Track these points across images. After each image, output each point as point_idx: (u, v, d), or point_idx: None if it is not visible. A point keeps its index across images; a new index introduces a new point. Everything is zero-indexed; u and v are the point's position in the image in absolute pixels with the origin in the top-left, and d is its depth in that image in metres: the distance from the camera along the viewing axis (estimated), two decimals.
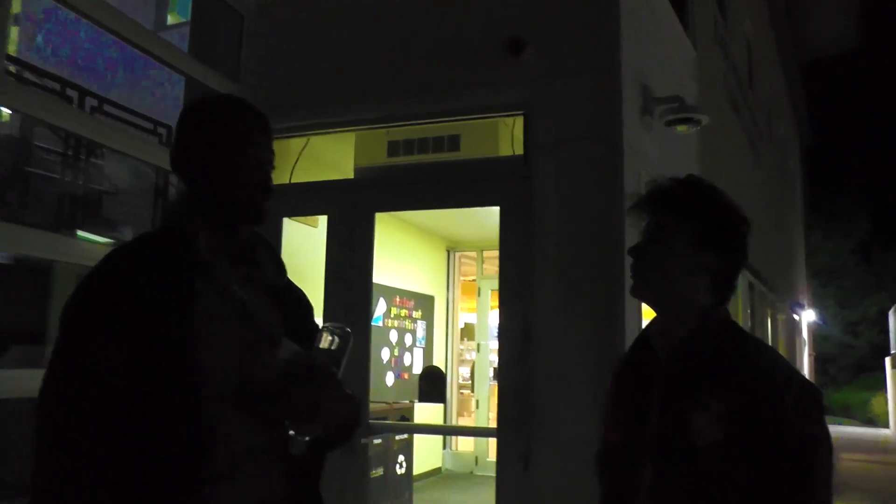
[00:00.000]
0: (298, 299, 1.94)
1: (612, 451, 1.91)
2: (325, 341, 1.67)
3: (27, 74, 6.23)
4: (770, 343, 13.93)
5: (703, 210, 1.80)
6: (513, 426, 3.81)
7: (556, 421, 3.68)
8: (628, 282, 3.58)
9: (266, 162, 1.80)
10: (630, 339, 3.57)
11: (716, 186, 1.87)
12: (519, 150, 4.08)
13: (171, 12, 8.29)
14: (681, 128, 4.64)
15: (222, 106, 1.85)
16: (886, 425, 20.94)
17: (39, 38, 8.64)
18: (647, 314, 4.00)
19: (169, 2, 8.20)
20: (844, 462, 14.20)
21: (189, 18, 8.10)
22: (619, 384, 1.96)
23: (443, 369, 9.55)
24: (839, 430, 20.98)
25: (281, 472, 1.70)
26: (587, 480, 3.27)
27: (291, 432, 1.64)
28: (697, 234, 1.77)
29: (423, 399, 5.51)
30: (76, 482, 1.54)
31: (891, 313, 20.08)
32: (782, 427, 1.60)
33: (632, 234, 3.66)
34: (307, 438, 1.64)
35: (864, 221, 32.40)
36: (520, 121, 4.09)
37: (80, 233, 6.70)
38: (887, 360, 20.71)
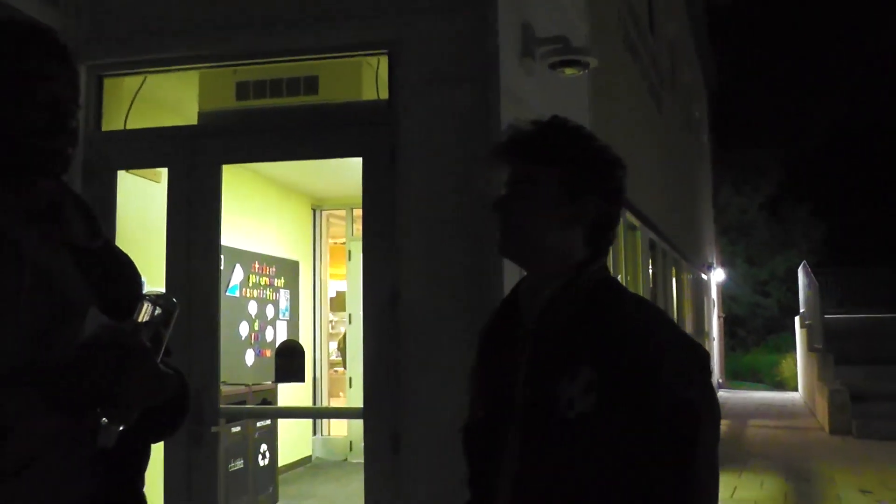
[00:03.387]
0: (119, 265, 1.81)
1: (478, 425, 1.90)
2: (142, 313, 1.58)
3: None
4: (675, 305, 14.48)
5: (571, 154, 1.78)
6: (381, 404, 3.86)
7: (427, 396, 3.75)
8: None
9: (69, 99, 1.67)
10: None
11: (584, 127, 1.85)
12: (384, 95, 4.10)
13: None
14: (569, 71, 4.74)
15: (7, 31, 1.70)
16: (795, 389, 22.06)
17: None
18: None
19: None
20: (751, 429, 15.00)
21: None
22: (484, 352, 1.96)
23: (308, 344, 9.55)
24: (747, 396, 22.15)
25: (87, 468, 1.64)
26: (457, 460, 3.39)
27: (103, 420, 1.58)
28: (566, 182, 1.75)
29: (280, 379, 5.47)
30: None
31: (800, 270, 21.06)
32: (659, 393, 1.60)
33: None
34: (120, 428, 1.58)
35: (774, 174, 33.80)
36: (384, 61, 4.10)
37: None
38: (797, 319, 21.77)
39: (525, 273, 1.94)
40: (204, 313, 4.11)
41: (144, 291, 1.73)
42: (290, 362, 5.05)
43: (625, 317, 1.73)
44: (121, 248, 1.89)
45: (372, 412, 3.90)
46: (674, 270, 14.22)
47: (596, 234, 1.81)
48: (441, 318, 3.78)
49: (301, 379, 7.16)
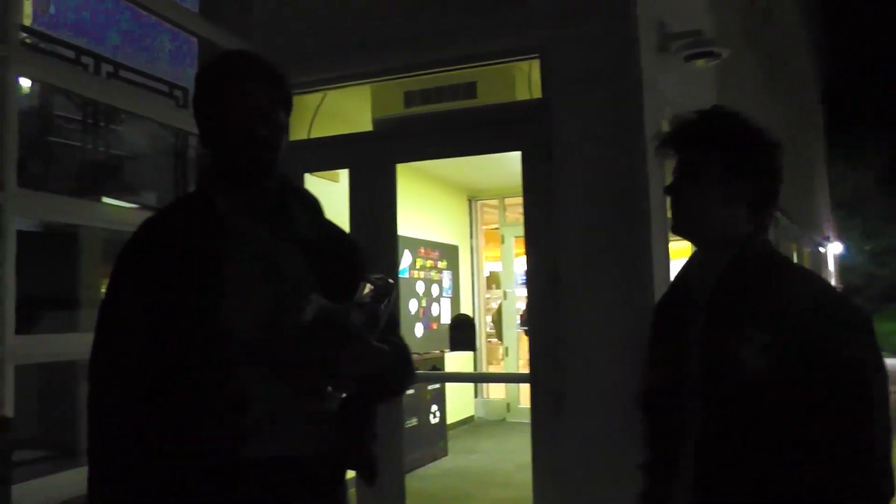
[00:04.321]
0: (344, 250, 1.88)
1: (655, 391, 1.90)
2: (361, 293, 1.62)
3: (42, 44, 6.25)
4: None
5: (732, 138, 1.78)
6: (545, 371, 3.82)
7: (587, 364, 3.69)
8: (655, 221, 3.60)
9: (258, 113, 1.73)
10: (658, 280, 3.61)
11: (740, 113, 1.84)
12: (536, 94, 4.05)
13: None
14: (700, 62, 4.58)
15: (217, 62, 1.83)
16: None
17: (52, 9, 8.67)
18: (676, 254, 4.00)
19: None
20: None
21: None
22: (659, 323, 1.97)
23: (466, 315, 9.61)
24: None
25: (315, 430, 1.70)
26: (621, 423, 3.33)
27: (329, 388, 1.66)
28: (729, 164, 1.75)
29: (454, 347, 5.58)
30: (116, 446, 1.66)
31: None
32: (831, 354, 1.57)
33: (655, 174, 3.68)
34: (342, 395, 1.67)
35: (887, 150, 32.01)
36: (536, 64, 4.05)
37: (105, 199, 6.78)
38: None
39: (693, 252, 1.92)
40: None
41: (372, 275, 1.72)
42: (462, 334, 5.12)
43: (792, 283, 1.70)
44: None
45: (537, 378, 3.87)
46: (794, 245, 13.65)
47: (758, 211, 1.79)
48: (599, 297, 3.70)
49: (472, 348, 7.28)
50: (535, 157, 3.91)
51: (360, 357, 1.62)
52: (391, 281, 1.64)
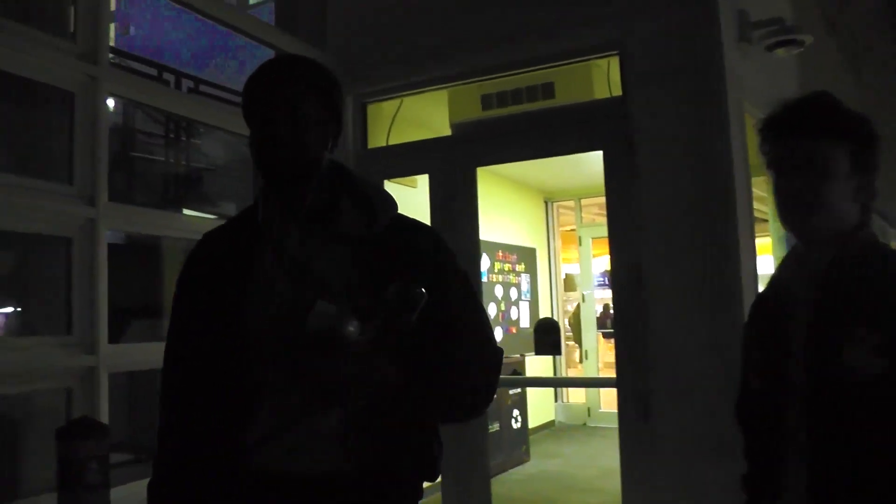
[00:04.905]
0: (402, 248, 1.69)
1: (754, 398, 1.78)
2: (391, 298, 1.48)
3: (126, 62, 6.45)
4: None
5: (857, 128, 1.68)
6: (631, 375, 3.75)
7: (673, 367, 3.60)
8: (742, 217, 3.50)
9: (277, 112, 1.66)
10: (746, 277, 3.52)
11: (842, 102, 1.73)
12: (616, 92, 4.00)
13: None
14: (781, 51, 4.45)
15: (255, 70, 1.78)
16: None
17: (132, 30, 8.97)
18: (763, 251, 3.88)
19: None
20: None
21: None
22: (755, 324, 1.85)
23: (551, 319, 9.55)
24: None
25: (322, 446, 1.58)
26: (713, 430, 3.24)
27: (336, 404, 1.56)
28: (856, 156, 1.65)
29: (539, 351, 5.53)
30: (161, 446, 1.73)
31: None
32: None
33: (741, 168, 3.58)
34: (350, 411, 1.55)
35: None
36: (615, 61, 4.00)
37: (186, 210, 6.95)
38: None
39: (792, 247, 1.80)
40: None
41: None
42: (547, 338, 5.07)
43: None
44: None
45: (624, 382, 3.79)
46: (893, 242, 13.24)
47: (866, 203, 1.69)
48: (685, 297, 3.61)
49: (558, 352, 7.22)
50: (616, 156, 3.86)
51: (353, 375, 1.49)
52: (420, 290, 1.48)
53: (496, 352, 1.75)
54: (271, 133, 1.64)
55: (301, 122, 1.65)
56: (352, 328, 1.46)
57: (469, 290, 1.78)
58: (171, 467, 1.69)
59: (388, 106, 4.82)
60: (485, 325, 1.76)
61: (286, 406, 1.57)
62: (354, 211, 1.71)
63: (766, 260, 5.93)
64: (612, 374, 3.94)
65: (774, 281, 1.83)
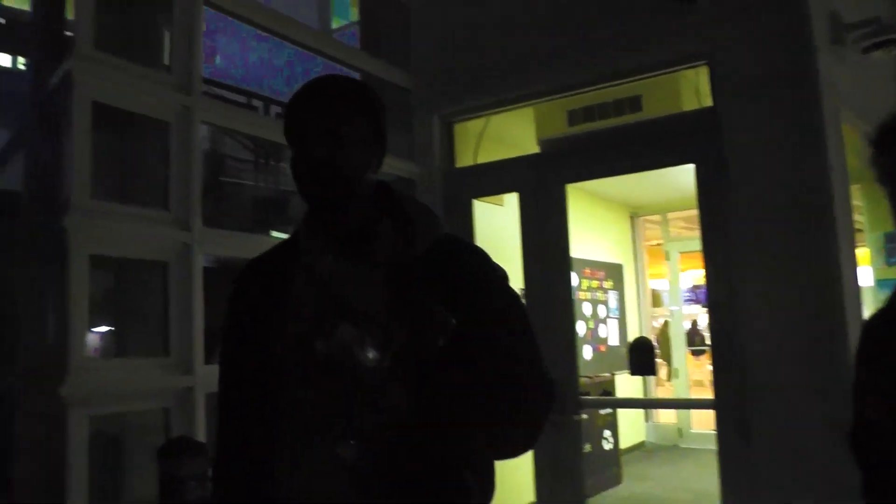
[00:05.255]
0: (441, 271, 1.59)
1: (871, 427, 1.66)
2: (410, 324, 1.43)
3: (215, 91, 6.63)
4: None
5: None
6: (730, 397, 3.63)
7: (773, 388, 3.48)
8: (842, 229, 3.38)
9: (309, 132, 1.61)
10: (848, 293, 3.39)
11: None
12: (705, 103, 3.92)
13: (333, 18, 8.63)
14: (878, 53, 4.28)
15: None
16: None
17: (218, 60, 9.22)
18: (860, 262, 3.71)
19: (330, 8, 8.53)
20: None
21: (350, 21, 8.41)
22: (871, 346, 1.73)
23: (645, 338, 9.39)
24: None
25: (349, 474, 1.50)
26: (813, 454, 3.12)
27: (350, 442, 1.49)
28: None
29: (634, 372, 5.41)
30: (213, 478, 1.73)
31: None
32: None
33: (839, 177, 3.46)
34: (360, 443, 1.48)
35: None
36: (703, 72, 3.92)
37: (273, 233, 7.07)
38: None
39: None
40: (560, 316, 4.20)
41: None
42: (643, 357, 4.98)
43: None
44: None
45: (723, 405, 3.68)
46: None
47: None
48: (784, 318, 3.49)
49: (653, 372, 7.12)
50: (708, 169, 3.78)
51: (362, 401, 1.45)
52: (447, 316, 1.41)
53: (543, 383, 1.59)
54: (308, 153, 1.60)
55: (339, 141, 1.59)
56: (370, 354, 1.39)
57: (516, 315, 1.65)
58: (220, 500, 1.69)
59: (475, 124, 4.84)
60: (531, 354, 1.60)
61: (304, 433, 1.54)
62: (393, 234, 1.64)
63: (865, 271, 5.73)
64: (701, 392, 3.83)
65: (894, 298, 1.72)
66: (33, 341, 3.18)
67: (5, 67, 8.07)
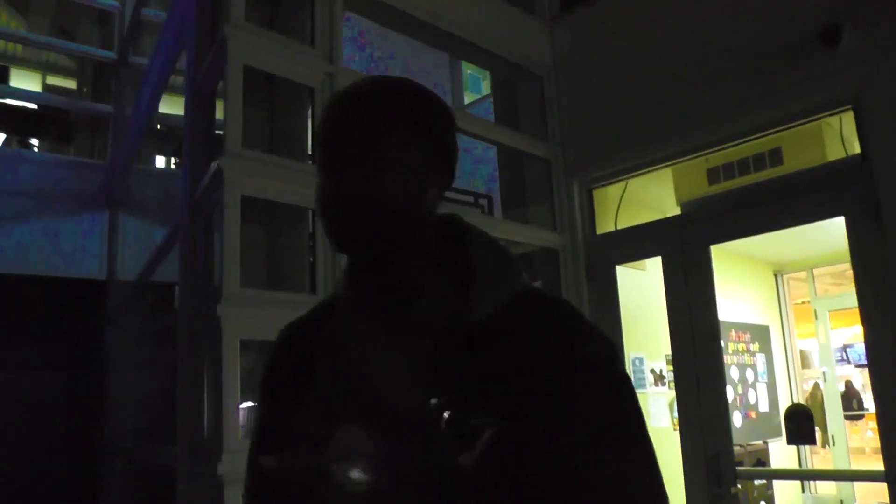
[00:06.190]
0: (509, 343, 1.12)
1: None
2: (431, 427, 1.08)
3: None
4: None
5: None
6: None
7: None
8: None
9: (325, 164, 1.22)
10: None
11: None
12: (852, 151, 3.81)
13: (465, 92, 8.82)
14: None
15: None
16: None
17: None
18: None
19: (461, 83, 8.72)
20: None
21: (482, 94, 8.60)
22: None
23: (785, 404, 9.01)
24: None
25: None
26: None
27: None
28: None
29: (791, 441, 5.20)
30: None
31: None
32: None
33: None
34: None
35: None
36: (847, 118, 3.82)
37: None
38: None
39: None
40: (712, 382, 4.10)
41: None
42: (800, 426, 4.78)
43: None
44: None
45: (895, 476, 3.44)
46: None
47: None
48: None
49: (812, 441, 6.78)
50: (860, 221, 3.63)
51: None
52: (478, 421, 1.06)
53: None
54: (330, 183, 1.20)
55: (374, 165, 1.17)
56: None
57: (619, 416, 1.11)
58: None
59: (614, 189, 4.87)
60: (632, 481, 1.08)
61: None
62: (449, 291, 1.20)
63: None
64: (862, 460, 3.62)
65: None
66: (193, 422, 3.35)
67: (161, 169, 8.65)
